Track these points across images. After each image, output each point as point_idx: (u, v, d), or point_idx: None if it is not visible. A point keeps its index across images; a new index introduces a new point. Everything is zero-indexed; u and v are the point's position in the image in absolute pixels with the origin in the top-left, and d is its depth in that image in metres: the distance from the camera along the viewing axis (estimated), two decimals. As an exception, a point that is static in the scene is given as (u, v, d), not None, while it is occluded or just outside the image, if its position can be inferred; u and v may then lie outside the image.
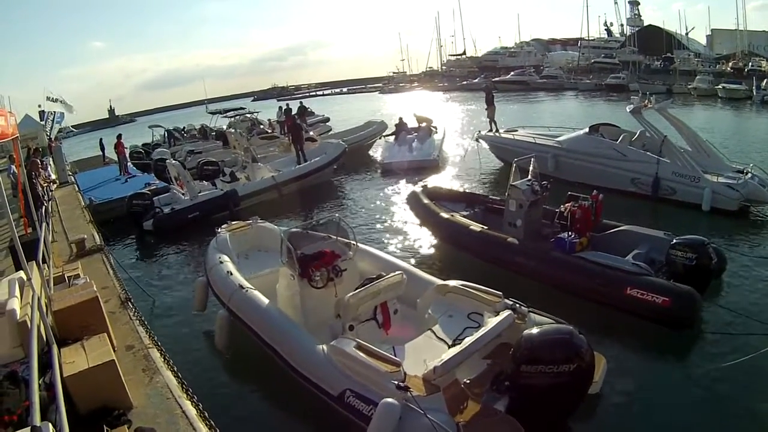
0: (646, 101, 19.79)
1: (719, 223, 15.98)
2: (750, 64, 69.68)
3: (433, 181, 23.81)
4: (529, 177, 13.76)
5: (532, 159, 14.12)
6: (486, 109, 29.09)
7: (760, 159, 22.51)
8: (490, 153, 26.36)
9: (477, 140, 26.64)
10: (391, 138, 32.68)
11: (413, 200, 16.83)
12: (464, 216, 15.34)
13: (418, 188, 17.52)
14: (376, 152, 32.99)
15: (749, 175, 17.23)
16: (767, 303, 11.46)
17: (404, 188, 23.42)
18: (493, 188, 22.26)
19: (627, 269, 11.17)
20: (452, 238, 14.96)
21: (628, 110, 19.94)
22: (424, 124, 33.41)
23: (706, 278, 11.12)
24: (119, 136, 31.95)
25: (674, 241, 11.38)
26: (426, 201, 16.23)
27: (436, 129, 33.28)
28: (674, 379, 9.16)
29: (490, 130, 27.23)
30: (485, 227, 14.11)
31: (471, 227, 14.25)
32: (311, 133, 31.99)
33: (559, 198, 13.73)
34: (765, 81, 54.49)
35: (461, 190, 18.99)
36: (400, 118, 33.61)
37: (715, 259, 11.26)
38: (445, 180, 25.67)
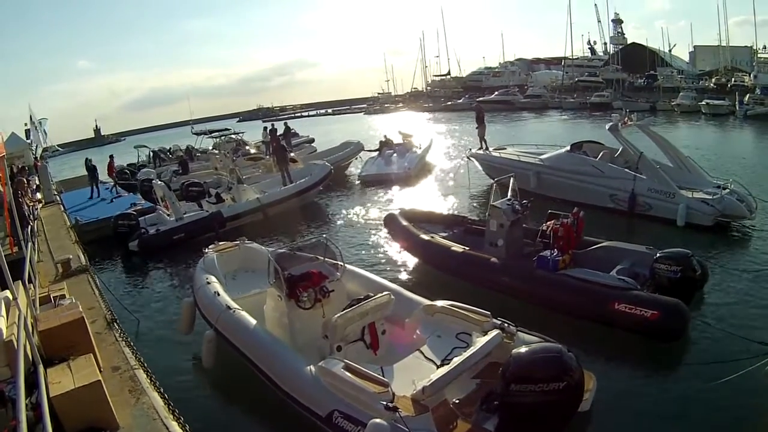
0: (626, 118, 20.07)
1: (693, 238, 16.04)
2: (733, 79, 70.21)
3: (423, 197, 24.45)
4: (509, 196, 13.81)
5: (512, 178, 14.20)
6: (476, 128, 29.51)
7: (742, 174, 22.76)
8: (480, 171, 26.50)
9: (468, 158, 27.08)
10: (374, 153, 34.50)
11: (391, 223, 16.84)
12: (444, 237, 15.37)
13: (395, 210, 17.64)
14: (357, 168, 34.48)
15: (727, 190, 17.34)
16: (747, 311, 11.72)
17: (389, 207, 23.50)
18: (483, 205, 22.36)
19: (613, 284, 11.24)
20: (434, 260, 14.96)
21: (606, 128, 20.17)
22: (406, 141, 35.45)
23: (691, 290, 11.30)
24: (111, 157, 32.62)
25: (658, 254, 11.53)
26: (405, 223, 16.22)
27: (419, 146, 35.07)
28: (662, 394, 9.16)
29: (481, 148, 27.57)
30: (467, 248, 14.14)
31: (452, 248, 14.27)
32: (292, 154, 32.12)
33: (541, 215, 13.84)
34: (748, 96, 55.05)
35: (439, 211, 19.10)
36: (385, 136, 35.88)
37: (699, 270, 11.45)
38: (435, 197, 26.14)
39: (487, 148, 27.23)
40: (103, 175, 32.76)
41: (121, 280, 18.62)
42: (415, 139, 36.51)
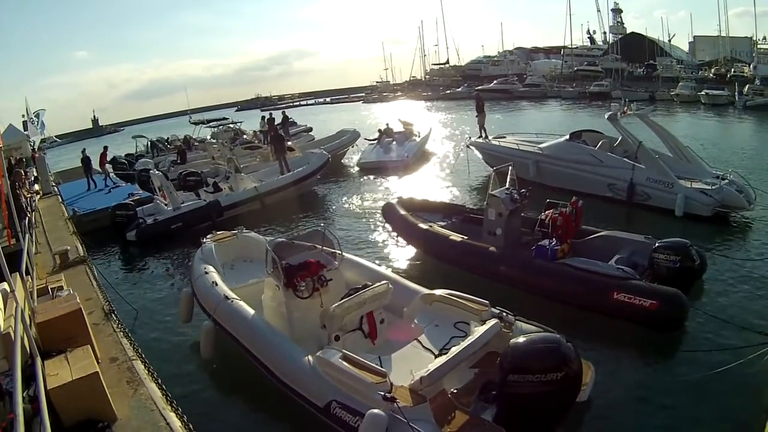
0: (626, 108, 20.06)
1: (692, 228, 16.01)
2: (732, 70, 70.00)
3: (422, 186, 24.90)
4: (507, 185, 13.75)
5: (510, 167, 14.13)
6: (476, 117, 29.46)
7: (741, 164, 22.81)
8: (480, 159, 26.47)
9: (468, 147, 27.03)
10: (374, 142, 35.08)
11: (389, 212, 16.83)
12: (442, 226, 15.34)
13: (393, 199, 17.60)
14: (354, 156, 35.53)
15: (726, 181, 17.29)
16: (745, 301, 11.76)
17: (388, 195, 23.53)
18: (482, 194, 22.34)
19: (612, 274, 11.23)
20: (432, 249, 14.95)
21: (606, 117, 20.19)
22: (406, 129, 36.12)
23: (689, 280, 11.32)
24: (105, 148, 32.83)
25: (657, 244, 11.57)
26: (403, 212, 16.19)
27: (419, 134, 35.71)
28: (661, 384, 9.17)
29: (480, 137, 27.52)
30: (465, 237, 14.12)
31: (451, 237, 14.27)
32: (289, 143, 32.13)
33: (540, 204, 13.84)
34: (747, 86, 54.95)
35: (438, 199, 19.13)
36: (387, 124, 36.44)
37: (698, 260, 11.47)
38: (434, 186, 26.28)
39: (486, 137, 27.19)
40: (95, 166, 32.64)
41: (119, 270, 18.67)
42: (415, 127, 36.84)
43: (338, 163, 33.27)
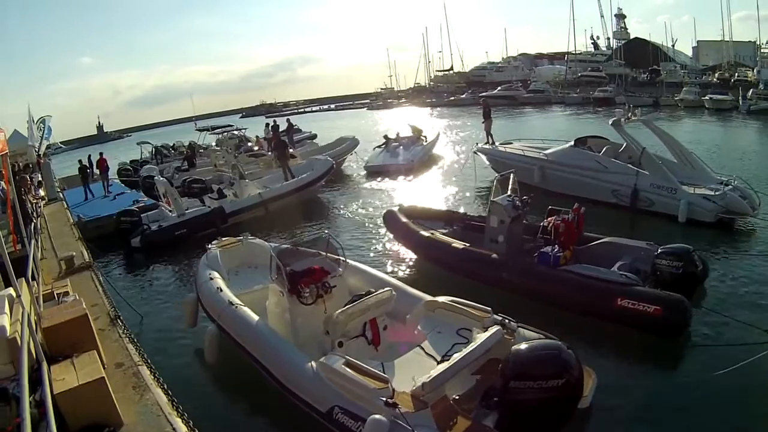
0: (630, 114, 20.05)
1: (695, 234, 16.03)
2: (736, 74, 70.23)
3: (429, 192, 25.19)
4: (509, 192, 13.75)
5: (512, 174, 14.14)
6: (483, 123, 29.76)
7: (745, 170, 22.80)
8: (487, 165, 26.45)
9: (475, 152, 27.05)
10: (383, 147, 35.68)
11: (390, 219, 16.80)
12: (443, 234, 15.36)
13: (394, 207, 17.59)
14: (354, 164, 36.11)
15: (730, 187, 17.25)
16: (749, 304, 11.80)
17: (392, 202, 23.54)
18: (488, 199, 22.41)
19: (616, 280, 11.26)
20: (434, 256, 14.94)
21: (609, 123, 20.21)
22: (413, 134, 36.40)
23: (692, 285, 11.33)
24: (101, 154, 32.87)
25: (660, 250, 11.60)
26: (404, 219, 16.19)
27: (425, 138, 36.16)
28: (663, 390, 9.17)
29: (487, 143, 27.67)
30: (467, 244, 14.14)
31: (453, 245, 14.28)
32: (291, 150, 32.19)
33: (544, 210, 13.92)
34: (751, 91, 55.14)
35: (441, 206, 19.30)
36: (397, 133, 36.86)
37: (700, 266, 11.52)
38: (440, 192, 26.40)
39: (493, 143, 27.35)
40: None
41: (125, 276, 18.73)
42: (424, 132, 37.24)
43: (338, 170, 33.22)
